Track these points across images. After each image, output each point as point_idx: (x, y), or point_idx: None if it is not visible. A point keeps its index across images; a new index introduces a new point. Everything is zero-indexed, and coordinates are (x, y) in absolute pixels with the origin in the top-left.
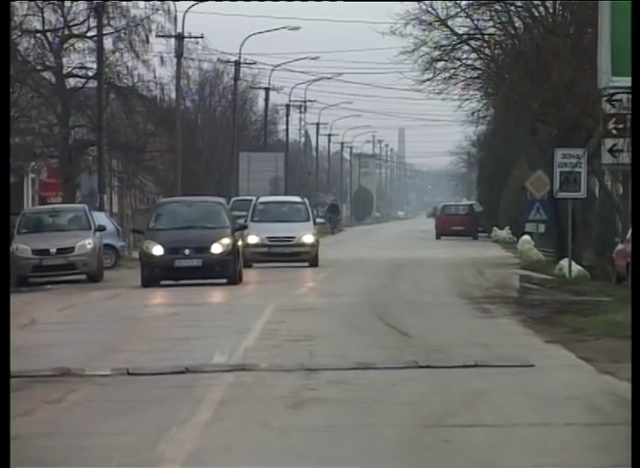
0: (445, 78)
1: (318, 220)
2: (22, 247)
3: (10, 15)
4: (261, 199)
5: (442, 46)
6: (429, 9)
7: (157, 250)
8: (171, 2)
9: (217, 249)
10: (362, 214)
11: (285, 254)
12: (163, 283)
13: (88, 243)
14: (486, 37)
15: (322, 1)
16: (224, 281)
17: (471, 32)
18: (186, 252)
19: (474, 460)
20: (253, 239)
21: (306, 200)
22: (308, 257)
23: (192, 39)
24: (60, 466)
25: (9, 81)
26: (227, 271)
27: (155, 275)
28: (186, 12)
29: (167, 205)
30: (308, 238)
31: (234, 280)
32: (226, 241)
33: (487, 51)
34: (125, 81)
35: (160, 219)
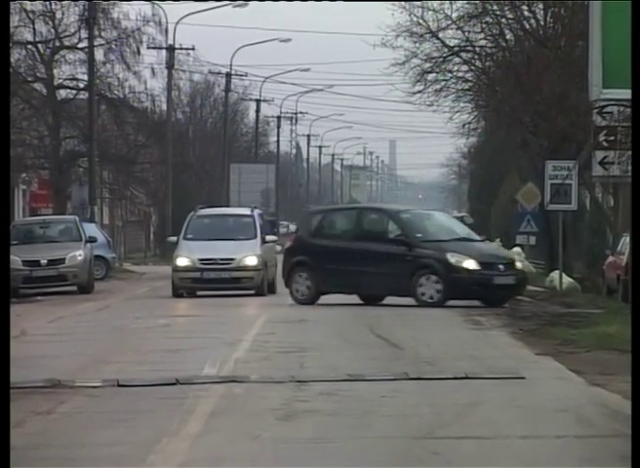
0: (436, 90)
1: (270, 238)
2: (13, 258)
3: (9, 22)
4: (200, 211)
5: (433, 58)
6: (420, 21)
7: (470, 263)
8: (162, 14)
9: None
10: None
11: (221, 281)
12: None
13: (78, 254)
14: (477, 49)
15: (322, 0)
16: None
17: (462, 44)
18: None
19: None
20: (182, 261)
21: (257, 212)
22: (252, 284)
23: (183, 51)
24: None
25: (9, 92)
26: None
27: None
28: (177, 23)
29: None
30: (252, 260)
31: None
32: None
33: (478, 63)
34: (116, 92)
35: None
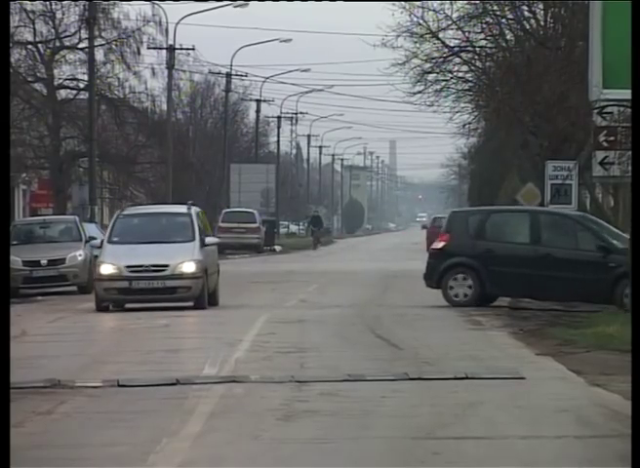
0: (436, 90)
1: (210, 240)
2: (13, 258)
3: (9, 22)
4: (128, 210)
5: (433, 58)
6: (421, 21)
7: None
8: (162, 14)
9: None
10: (353, 226)
11: (153, 291)
12: None
13: (79, 254)
14: (477, 50)
15: (322, 0)
16: None
17: (463, 45)
18: None
19: None
20: (106, 269)
21: (195, 210)
22: (189, 295)
23: (183, 51)
24: None
25: (9, 92)
26: None
27: None
28: (178, 23)
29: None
30: (189, 266)
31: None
32: None
33: (478, 63)
34: (116, 93)
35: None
